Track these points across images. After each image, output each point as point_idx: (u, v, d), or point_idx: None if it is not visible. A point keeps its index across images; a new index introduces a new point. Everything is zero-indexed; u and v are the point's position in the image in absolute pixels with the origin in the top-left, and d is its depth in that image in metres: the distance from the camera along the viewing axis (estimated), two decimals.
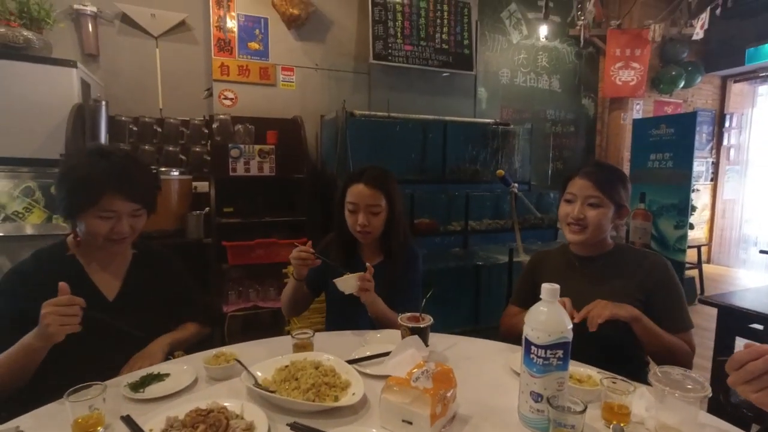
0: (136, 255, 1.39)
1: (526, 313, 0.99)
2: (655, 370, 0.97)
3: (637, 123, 5.09)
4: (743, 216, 6.64)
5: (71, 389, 0.90)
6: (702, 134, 6.41)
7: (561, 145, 5.37)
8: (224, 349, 1.24)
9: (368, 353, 1.26)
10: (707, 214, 6.62)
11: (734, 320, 2.09)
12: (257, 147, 3.18)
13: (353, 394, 1.02)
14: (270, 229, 3.11)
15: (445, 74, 4.21)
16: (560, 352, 0.92)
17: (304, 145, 3.45)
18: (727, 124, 6.48)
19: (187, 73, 3.56)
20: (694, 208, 5.28)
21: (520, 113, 4.94)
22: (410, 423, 0.90)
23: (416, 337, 1.17)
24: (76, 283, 1.12)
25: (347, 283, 1.45)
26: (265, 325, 3.23)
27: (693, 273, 5.30)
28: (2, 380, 1.06)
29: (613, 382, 0.97)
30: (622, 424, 0.95)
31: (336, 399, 1.01)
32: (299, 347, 1.27)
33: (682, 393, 0.90)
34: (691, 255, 5.61)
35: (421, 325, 1.25)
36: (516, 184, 3.03)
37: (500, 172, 3.05)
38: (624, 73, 5.16)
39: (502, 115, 4.78)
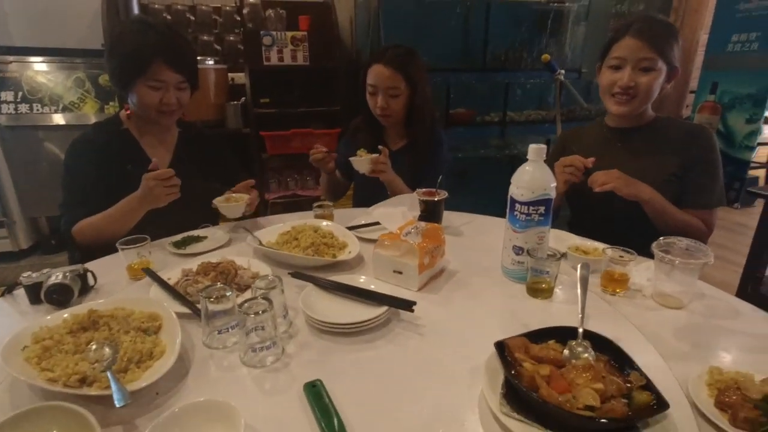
0: (182, 133, 1.50)
1: (515, 173, 1.02)
2: (660, 239, 0.97)
3: None
4: None
5: (122, 239, 1.06)
6: None
7: None
8: (235, 195, 1.37)
9: (364, 221, 1.35)
10: None
11: None
12: (289, 34, 3.08)
13: (349, 252, 1.14)
14: (306, 119, 3.14)
15: None
16: (542, 208, 0.97)
17: (337, 31, 3.29)
18: None
19: None
20: None
21: None
22: (400, 273, 1.00)
23: (412, 196, 1.22)
24: (131, 154, 1.27)
25: (361, 164, 1.50)
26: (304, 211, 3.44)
27: (759, 173, 4.88)
28: (104, 232, 1.24)
29: (619, 255, 0.99)
30: (618, 290, 0.99)
31: (334, 256, 1.12)
32: (320, 217, 1.37)
33: (683, 260, 0.91)
34: (762, 154, 5.12)
35: (435, 199, 1.30)
36: (563, 71, 2.80)
37: (546, 56, 2.81)
38: None
39: None
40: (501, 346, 0.68)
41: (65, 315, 0.81)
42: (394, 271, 1.01)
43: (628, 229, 1.25)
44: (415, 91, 1.60)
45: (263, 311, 0.73)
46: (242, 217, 1.39)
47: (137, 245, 1.05)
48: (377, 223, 1.33)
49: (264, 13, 3.23)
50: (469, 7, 3.24)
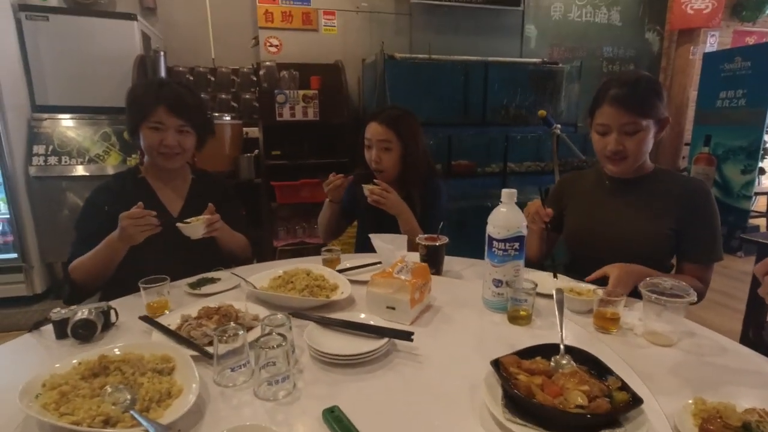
0: (195, 179, 1.62)
1: (491, 214, 1.13)
2: (646, 279, 1.03)
3: (707, 57, 4.63)
4: None
5: (144, 279, 1.13)
6: None
7: None
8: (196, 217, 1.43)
9: (349, 265, 1.42)
10: None
11: None
12: (301, 92, 3.32)
13: (342, 292, 1.19)
14: (314, 170, 3.30)
15: (489, 10, 4.03)
16: (517, 244, 1.10)
17: (345, 90, 3.54)
18: None
19: (235, 22, 3.71)
20: (767, 151, 4.82)
21: (573, 51, 4.65)
22: (393, 308, 1.07)
23: (400, 236, 1.30)
24: (146, 200, 1.36)
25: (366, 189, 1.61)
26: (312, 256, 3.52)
27: (760, 222, 4.93)
28: (91, 271, 1.34)
29: (608, 294, 1.05)
30: (611, 329, 1.04)
31: (327, 297, 1.17)
32: (327, 262, 1.45)
33: (668, 299, 0.97)
34: (761, 203, 5.20)
35: (437, 244, 1.38)
36: (559, 125, 2.95)
37: (542, 112, 2.97)
38: (697, 0, 4.64)
39: (552, 55, 4.53)
40: (497, 364, 0.77)
41: (74, 362, 0.82)
42: (387, 307, 1.07)
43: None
44: (407, 148, 1.73)
45: (278, 345, 0.78)
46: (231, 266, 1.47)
47: (157, 285, 1.13)
48: (364, 266, 1.42)
49: (278, 74, 3.50)
50: (468, 68, 3.49)
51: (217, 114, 3.20)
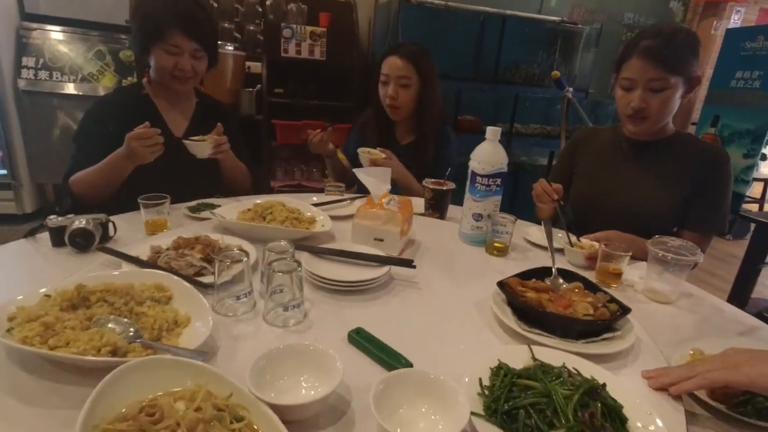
0: (199, 103, 1.56)
1: (474, 150, 1.16)
2: (655, 237, 1.03)
3: (729, 33, 4.47)
4: None
5: (144, 196, 1.10)
6: None
7: None
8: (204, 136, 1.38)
9: (317, 200, 1.40)
10: None
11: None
12: (309, 28, 3.15)
13: (322, 225, 1.17)
14: (318, 112, 3.20)
15: None
16: (498, 180, 1.18)
17: (356, 31, 3.37)
18: None
19: None
20: None
21: (593, 14, 4.45)
22: (381, 240, 1.07)
23: (383, 169, 1.25)
24: (150, 120, 1.30)
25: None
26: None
27: (752, 207, 4.98)
28: (95, 184, 1.30)
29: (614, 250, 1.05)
30: (612, 284, 1.05)
31: (307, 229, 1.13)
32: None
33: (676, 255, 0.97)
34: (756, 189, 5.23)
35: (443, 188, 1.36)
36: (571, 89, 2.87)
37: (555, 73, 2.88)
38: None
39: (572, 15, 4.33)
40: (502, 284, 0.87)
41: (41, 292, 0.72)
42: (375, 239, 1.07)
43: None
44: (424, 86, 1.66)
45: (291, 270, 0.75)
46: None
47: (157, 202, 1.10)
48: (338, 201, 1.42)
49: (286, 6, 3.31)
50: (484, 20, 3.33)
51: (219, 42, 3.04)
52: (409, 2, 3.21)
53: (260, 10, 3.38)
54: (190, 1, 1.39)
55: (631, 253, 1.03)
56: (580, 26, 3.69)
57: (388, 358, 0.67)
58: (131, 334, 0.66)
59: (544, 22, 3.62)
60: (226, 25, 3.28)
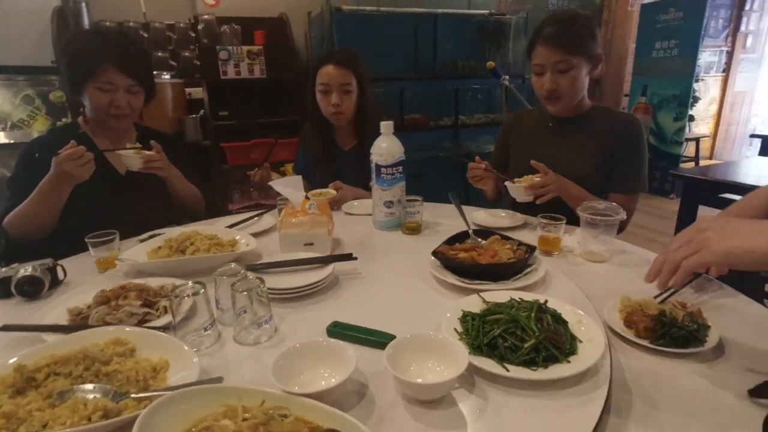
0: (140, 137, 1.53)
1: (373, 145, 1.27)
2: (584, 203, 1.12)
3: (644, 9, 4.80)
4: (752, 110, 6.47)
5: (91, 234, 1.09)
6: (718, 20, 6.01)
7: None
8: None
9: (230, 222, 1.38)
10: (714, 108, 6.45)
11: (697, 190, 2.24)
12: (245, 48, 3.16)
13: (247, 244, 1.14)
14: (266, 129, 3.21)
15: None
16: (400, 168, 1.30)
17: (293, 45, 3.40)
18: (747, 7, 6.04)
19: None
20: (696, 99, 5.16)
21: (520, 3, 4.66)
22: (311, 244, 1.09)
23: (296, 177, 1.28)
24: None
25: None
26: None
27: (689, 166, 5.34)
28: (30, 216, 1.25)
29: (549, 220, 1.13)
30: (553, 251, 1.13)
31: (233, 251, 1.10)
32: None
33: (602, 216, 1.06)
34: (690, 150, 5.62)
35: None
36: (507, 77, 3.01)
37: (490, 63, 3.02)
38: None
39: (499, 7, 4.53)
40: (436, 253, 1.01)
41: None
42: (305, 245, 1.09)
43: (567, 208, 1.33)
44: (363, 90, 1.71)
45: (257, 287, 0.75)
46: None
47: (106, 239, 1.09)
48: (250, 218, 1.43)
49: (219, 29, 3.30)
50: (417, 20, 3.44)
51: (155, 73, 3.00)
52: (341, 11, 3.28)
53: (193, 35, 3.36)
54: (120, 36, 1.38)
55: (564, 220, 1.12)
56: (507, 16, 3.88)
57: (375, 336, 0.73)
58: (112, 394, 0.61)
59: (473, 17, 3.78)
60: (159, 54, 3.24)
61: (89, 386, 0.62)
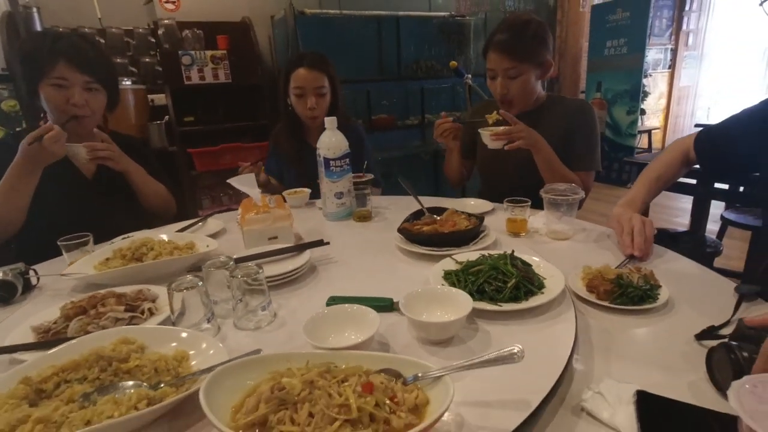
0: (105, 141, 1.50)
1: (319, 140, 1.34)
2: (545, 186, 1.19)
3: (595, 9, 5.06)
4: (697, 103, 6.91)
5: (63, 238, 1.07)
6: (662, 19, 6.39)
7: None
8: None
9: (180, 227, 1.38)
10: (663, 102, 6.85)
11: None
12: (209, 53, 3.13)
13: (207, 246, 1.10)
14: (234, 134, 3.18)
15: None
16: (347, 160, 1.38)
17: (257, 49, 3.39)
18: (687, 7, 6.46)
19: None
20: (646, 94, 5.47)
21: (478, 5, 4.81)
22: (275, 237, 1.12)
23: (250, 176, 1.30)
24: (57, 163, 1.25)
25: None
26: None
27: (644, 156, 5.63)
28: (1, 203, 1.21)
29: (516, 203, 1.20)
30: (521, 233, 1.20)
31: (192, 252, 1.09)
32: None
33: (562, 196, 1.13)
34: (645, 141, 5.95)
35: (364, 179, 1.45)
36: (469, 76, 3.11)
37: (453, 63, 3.10)
38: None
39: (459, 8, 4.66)
40: (402, 230, 1.11)
41: None
42: (270, 239, 1.12)
43: (530, 194, 1.42)
44: (334, 90, 1.75)
45: (254, 274, 0.77)
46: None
47: (80, 241, 1.08)
48: (194, 223, 1.40)
49: (180, 33, 3.26)
50: (380, 23, 3.50)
51: None
52: (304, 14, 3.30)
53: (153, 40, 3.30)
54: (75, 35, 1.36)
55: (529, 203, 1.19)
56: (467, 18, 4.00)
57: (376, 302, 0.78)
58: (143, 386, 0.60)
59: (434, 18, 3.88)
60: (118, 60, 3.16)
61: (127, 383, 0.61)
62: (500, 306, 0.76)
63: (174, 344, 0.70)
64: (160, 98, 3.13)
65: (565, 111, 1.51)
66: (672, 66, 6.67)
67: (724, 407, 0.52)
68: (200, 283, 0.76)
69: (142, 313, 0.84)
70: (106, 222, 1.32)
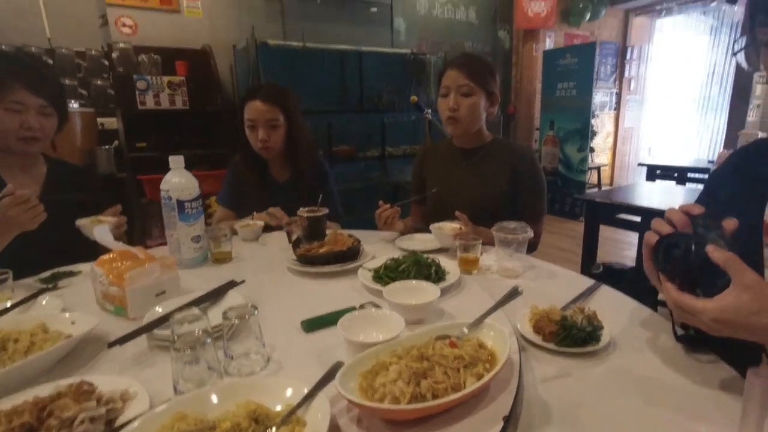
0: (50, 168, 1.42)
1: (162, 182, 1.25)
2: (496, 224, 1.21)
3: (546, 54, 5.41)
4: (639, 143, 7.43)
5: None
6: (607, 66, 6.91)
7: None
8: (101, 217, 1.32)
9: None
10: (611, 141, 7.31)
11: (598, 212, 2.51)
12: (166, 78, 3.07)
13: (85, 326, 0.83)
14: (190, 162, 3.06)
15: (359, 1, 4.16)
16: (200, 201, 1.30)
17: (217, 77, 3.36)
18: (628, 56, 7.03)
19: None
20: (594, 133, 5.82)
21: (439, 45, 5.04)
22: (164, 292, 0.98)
23: (102, 226, 1.17)
24: None
25: None
26: None
27: (593, 191, 5.94)
28: None
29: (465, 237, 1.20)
30: (473, 270, 1.20)
31: (67, 336, 0.82)
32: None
33: (512, 235, 1.15)
34: (594, 177, 6.28)
35: (318, 215, 1.42)
36: (429, 110, 3.19)
37: (414, 98, 3.20)
38: (535, 5, 5.38)
39: (421, 47, 4.85)
40: (302, 256, 1.23)
41: None
42: (157, 295, 0.97)
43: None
44: (291, 123, 1.72)
45: (249, 316, 0.73)
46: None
47: None
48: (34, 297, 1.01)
49: (136, 58, 3.18)
50: (343, 57, 3.57)
51: None
52: (267, 45, 3.32)
53: (106, 63, 3.20)
54: (29, 57, 1.30)
55: (481, 240, 1.20)
56: (428, 55, 4.16)
57: (345, 312, 0.84)
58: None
59: (396, 55, 4.00)
60: (67, 82, 3.03)
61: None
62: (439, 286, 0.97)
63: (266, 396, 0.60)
64: (110, 122, 3.02)
65: (509, 157, 1.54)
66: (617, 108, 7.18)
67: None
68: (204, 317, 0.69)
69: (108, 402, 0.61)
70: (39, 251, 1.20)
